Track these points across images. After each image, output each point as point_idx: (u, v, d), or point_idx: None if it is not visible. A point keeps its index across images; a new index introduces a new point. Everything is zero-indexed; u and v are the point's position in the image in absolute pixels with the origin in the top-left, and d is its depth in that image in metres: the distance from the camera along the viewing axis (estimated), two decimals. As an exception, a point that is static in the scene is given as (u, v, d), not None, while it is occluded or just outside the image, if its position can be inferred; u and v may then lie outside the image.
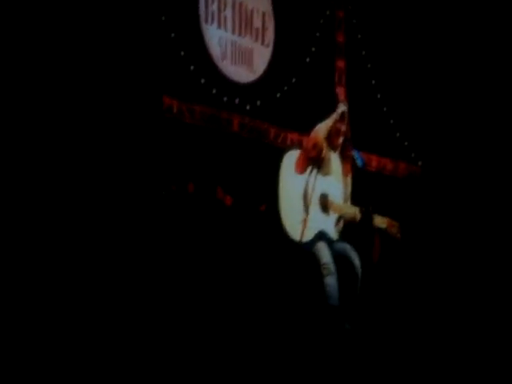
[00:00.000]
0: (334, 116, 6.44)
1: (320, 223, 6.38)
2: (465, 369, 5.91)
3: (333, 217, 6.43)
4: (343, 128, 6.60)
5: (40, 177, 7.32)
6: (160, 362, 5.86)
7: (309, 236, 6.34)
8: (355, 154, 6.43)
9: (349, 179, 6.64)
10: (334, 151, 6.57)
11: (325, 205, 6.42)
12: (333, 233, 6.50)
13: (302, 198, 6.37)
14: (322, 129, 6.61)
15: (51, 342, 5.89)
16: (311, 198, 6.31)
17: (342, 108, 6.44)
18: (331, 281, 6.35)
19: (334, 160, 6.56)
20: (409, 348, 6.64)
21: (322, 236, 6.45)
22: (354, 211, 6.44)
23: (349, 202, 6.78)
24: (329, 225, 6.44)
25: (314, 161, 6.59)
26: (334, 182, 6.50)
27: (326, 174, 6.50)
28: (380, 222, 6.47)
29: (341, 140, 6.58)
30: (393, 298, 9.19)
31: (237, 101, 9.91)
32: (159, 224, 8.18)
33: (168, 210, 8.37)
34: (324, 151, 6.58)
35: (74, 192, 7.50)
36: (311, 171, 6.55)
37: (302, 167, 6.59)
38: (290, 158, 6.44)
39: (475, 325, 7.85)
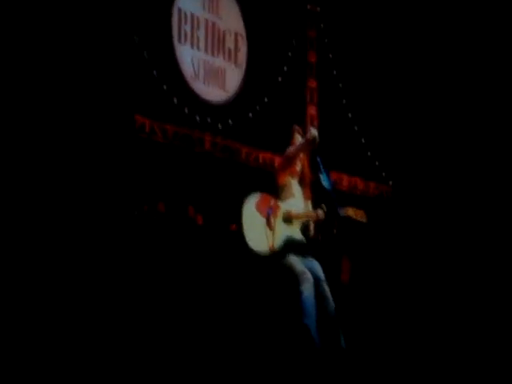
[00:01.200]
0: (304, 142, 6.48)
1: (286, 232, 6.42)
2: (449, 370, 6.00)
3: (297, 225, 6.47)
4: (301, 155, 6.64)
5: (12, 193, 7.30)
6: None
7: (278, 243, 6.38)
8: (322, 175, 6.47)
9: (309, 203, 6.68)
10: (293, 177, 6.61)
11: (288, 218, 6.45)
12: (300, 237, 6.54)
13: (265, 226, 6.42)
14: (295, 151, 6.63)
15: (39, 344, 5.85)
16: (275, 222, 6.37)
17: (312, 134, 6.48)
18: (308, 291, 6.37)
19: (294, 185, 6.61)
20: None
21: (289, 242, 6.48)
22: (316, 212, 6.48)
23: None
24: (295, 231, 6.48)
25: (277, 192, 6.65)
26: (296, 203, 6.54)
27: (288, 198, 6.55)
28: (346, 211, 6.51)
29: (299, 167, 6.62)
30: (367, 314, 9.26)
31: (209, 120, 9.97)
32: (131, 243, 8.19)
33: (140, 229, 8.37)
34: (286, 177, 6.63)
35: (46, 211, 7.49)
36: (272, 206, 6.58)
37: (263, 207, 6.64)
38: (251, 200, 6.50)
39: (447, 332, 7.95)
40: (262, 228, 6.31)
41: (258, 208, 6.41)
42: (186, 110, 9.66)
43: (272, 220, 6.29)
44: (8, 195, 7.31)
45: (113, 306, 7.37)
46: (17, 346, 5.79)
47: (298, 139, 6.60)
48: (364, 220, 6.44)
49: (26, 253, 7.24)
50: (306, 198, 6.61)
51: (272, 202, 6.38)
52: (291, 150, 6.48)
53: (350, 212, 6.41)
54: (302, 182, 6.64)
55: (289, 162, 6.53)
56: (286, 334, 6.54)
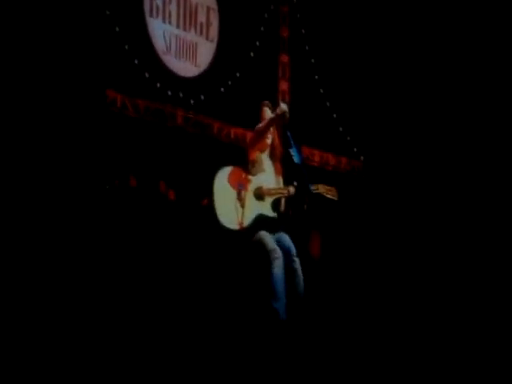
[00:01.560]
0: (273, 117, 6.48)
1: (257, 209, 6.44)
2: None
3: (269, 201, 6.49)
4: (272, 130, 6.65)
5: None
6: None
7: (248, 220, 6.39)
8: (293, 150, 6.49)
9: (280, 178, 6.70)
10: (263, 152, 6.62)
11: (259, 194, 6.48)
12: (271, 214, 6.57)
13: (235, 200, 6.42)
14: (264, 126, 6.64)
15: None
16: (245, 196, 6.38)
17: (282, 108, 6.48)
18: (279, 271, 6.40)
19: (265, 160, 6.62)
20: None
21: (260, 218, 6.51)
22: (286, 189, 6.51)
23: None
24: (265, 208, 6.50)
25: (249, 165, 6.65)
26: (268, 179, 6.56)
27: (259, 172, 6.56)
28: (316, 187, 6.55)
29: (269, 141, 6.64)
30: (334, 294, 9.32)
31: (181, 95, 9.93)
32: (102, 218, 8.18)
33: (111, 203, 8.36)
34: (257, 153, 6.64)
35: (16, 187, 7.46)
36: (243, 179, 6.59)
37: (234, 180, 6.64)
38: (223, 173, 6.50)
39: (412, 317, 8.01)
40: (232, 204, 6.34)
41: (230, 181, 6.43)
42: (158, 85, 9.61)
43: (243, 196, 6.32)
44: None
45: (87, 279, 7.37)
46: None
47: (268, 114, 6.62)
48: (335, 198, 6.48)
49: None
50: (277, 173, 6.65)
51: (243, 175, 6.40)
52: (261, 125, 6.50)
53: (321, 189, 6.45)
54: (272, 157, 6.67)
55: (259, 137, 6.56)
56: (253, 311, 6.58)
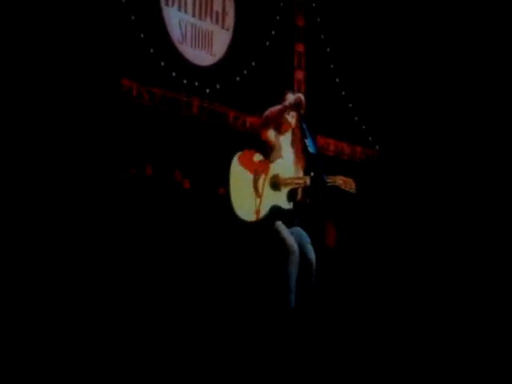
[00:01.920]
0: (288, 103, 6.47)
1: (272, 200, 6.43)
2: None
3: (284, 191, 6.48)
4: (293, 118, 6.63)
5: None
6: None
7: (263, 213, 6.38)
8: (308, 141, 6.47)
9: (300, 169, 6.65)
10: (282, 140, 6.61)
11: (276, 183, 6.45)
12: (286, 205, 6.56)
13: (252, 186, 6.41)
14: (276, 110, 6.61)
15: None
16: (262, 184, 6.36)
17: (299, 97, 6.47)
18: (294, 266, 6.41)
19: (286, 147, 6.60)
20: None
21: (275, 210, 6.50)
22: (303, 179, 6.48)
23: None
24: (281, 199, 6.50)
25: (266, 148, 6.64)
26: (286, 167, 6.53)
27: (277, 159, 6.55)
28: (334, 179, 6.52)
29: (292, 123, 6.62)
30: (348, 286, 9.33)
31: (196, 84, 9.94)
32: (118, 206, 8.20)
33: (127, 192, 8.39)
34: (274, 138, 6.62)
35: (31, 176, 7.49)
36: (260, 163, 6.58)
37: (247, 162, 6.62)
38: (235, 159, 6.49)
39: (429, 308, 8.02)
40: (249, 193, 6.33)
41: (243, 163, 6.41)
42: (174, 74, 9.62)
43: (260, 185, 6.31)
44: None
45: (100, 269, 7.40)
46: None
47: (290, 98, 6.60)
48: (353, 190, 6.45)
49: (11, 218, 7.25)
50: (297, 162, 6.61)
51: (259, 160, 6.38)
52: (275, 108, 6.49)
53: (339, 181, 6.42)
54: (294, 146, 6.64)
55: (269, 119, 6.51)
56: (265, 301, 6.59)
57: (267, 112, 6.50)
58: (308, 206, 7.61)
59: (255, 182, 6.33)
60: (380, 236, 11.27)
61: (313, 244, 6.46)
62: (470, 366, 5.31)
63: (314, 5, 11.66)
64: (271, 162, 6.43)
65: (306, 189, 6.58)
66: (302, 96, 6.44)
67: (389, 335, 6.28)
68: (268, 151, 6.51)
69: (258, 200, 6.30)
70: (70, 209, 7.81)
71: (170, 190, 9.05)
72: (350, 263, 10.04)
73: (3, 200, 7.23)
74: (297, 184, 6.46)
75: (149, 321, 6.24)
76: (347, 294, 8.16)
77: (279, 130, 6.55)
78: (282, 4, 11.15)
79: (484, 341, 6.14)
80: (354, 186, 6.45)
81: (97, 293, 6.86)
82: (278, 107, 6.44)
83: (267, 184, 6.33)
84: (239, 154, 6.41)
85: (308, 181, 6.43)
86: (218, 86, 10.15)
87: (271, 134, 6.52)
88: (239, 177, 6.31)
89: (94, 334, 5.56)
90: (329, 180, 6.38)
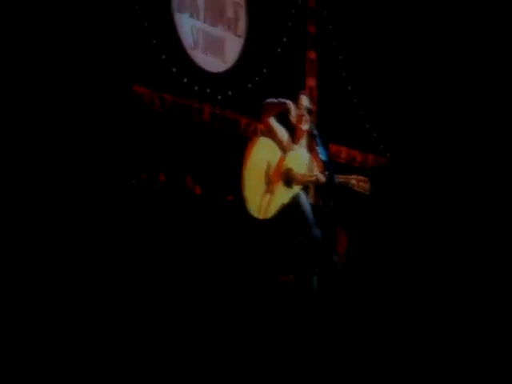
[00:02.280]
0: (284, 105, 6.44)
1: (283, 198, 6.40)
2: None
3: (296, 189, 6.45)
4: (307, 123, 6.61)
5: (11, 163, 7.31)
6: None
7: (272, 211, 6.35)
8: (320, 148, 6.45)
9: (315, 165, 6.60)
10: (296, 143, 6.58)
11: (288, 178, 6.42)
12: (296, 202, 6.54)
13: (264, 174, 6.36)
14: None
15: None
16: (275, 186, 6.33)
17: (286, 104, 6.44)
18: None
19: (299, 146, 6.57)
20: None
21: (286, 208, 6.47)
22: (316, 175, 6.44)
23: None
24: (292, 197, 6.47)
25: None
26: (300, 162, 6.50)
27: (290, 150, 6.52)
28: (347, 178, 6.47)
29: (303, 133, 6.60)
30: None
31: (208, 90, 9.94)
32: (129, 212, 8.21)
33: (138, 198, 8.39)
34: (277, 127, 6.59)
35: (43, 180, 7.50)
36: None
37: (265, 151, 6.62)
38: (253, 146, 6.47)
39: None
40: (260, 187, 6.28)
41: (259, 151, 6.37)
42: (185, 80, 9.62)
43: (273, 180, 6.26)
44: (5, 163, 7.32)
45: (111, 273, 7.40)
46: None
47: (304, 101, 6.59)
48: (366, 191, 6.41)
49: (24, 221, 7.26)
50: (313, 162, 6.56)
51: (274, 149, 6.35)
52: (272, 100, 6.47)
53: (353, 181, 6.38)
54: (310, 151, 6.61)
55: (266, 109, 6.49)
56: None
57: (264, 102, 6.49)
58: (321, 208, 7.57)
59: (267, 174, 6.28)
60: (391, 243, 11.24)
61: (323, 250, 6.45)
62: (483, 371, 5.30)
63: (325, 12, 11.65)
64: (285, 154, 6.38)
65: (318, 190, 6.55)
66: (307, 101, 6.45)
67: (403, 344, 6.26)
68: (276, 143, 6.46)
69: (269, 196, 6.26)
70: (82, 214, 7.81)
71: (181, 195, 9.04)
72: (361, 270, 10.01)
73: (13, 204, 7.24)
74: (308, 179, 6.43)
75: (162, 325, 6.24)
76: (359, 301, 8.14)
77: (293, 138, 6.54)
78: (293, 11, 11.15)
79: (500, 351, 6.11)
80: (367, 186, 6.42)
81: (109, 297, 6.85)
82: (274, 101, 6.43)
83: (280, 182, 6.30)
84: (261, 139, 6.36)
85: (321, 177, 6.38)
86: (229, 93, 10.14)
87: (272, 121, 6.48)
88: (254, 165, 6.26)
89: (107, 336, 5.56)
90: (341, 179, 6.35)
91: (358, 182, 6.41)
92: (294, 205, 6.40)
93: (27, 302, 6.37)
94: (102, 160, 8.16)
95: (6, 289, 6.50)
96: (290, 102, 6.36)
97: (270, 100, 6.48)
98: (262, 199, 6.27)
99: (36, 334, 5.61)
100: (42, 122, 7.71)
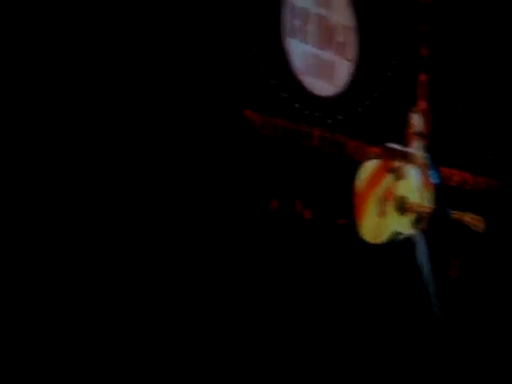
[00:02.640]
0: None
1: (395, 225, 6.35)
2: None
3: (409, 217, 6.39)
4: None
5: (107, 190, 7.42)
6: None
7: (383, 237, 6.30)
8: (431, 172, 6.39)
9: (426, 193, 6.53)
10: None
11: (401, 206, 6.38)
12: (408, 231, 6.46)
13: (378, 202, 6.34)
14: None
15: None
16: (388, 209, 6.29)
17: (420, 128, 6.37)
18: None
19: (412, 172, 6.51)
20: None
21: (398, 235, 6.42)
22: (427, 207, 6.38)
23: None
24: (404, 225, 6.41)
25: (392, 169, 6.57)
26: (412, 190, 6.45)
27: (403, 179, 6.46)
28: (462, 215, 6.38)
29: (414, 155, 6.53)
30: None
31: (318, 114, 9.94)
32: (240, 237, 8.27)
33: (249, 224, 8.44)
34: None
35: (150, 208, 7.60)
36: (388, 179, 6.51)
37: (379, 176, 6.58)
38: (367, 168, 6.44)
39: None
40: (372, 211, 6.23)
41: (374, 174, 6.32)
42: (295, 105, 9.65)
43: (386, 204, 6.21)
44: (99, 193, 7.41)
45: (217, 300, 7.46)
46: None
47: (416, 120, 6.54)
48: (480, 229, 6.30)
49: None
50: (424, 189, 6.50)
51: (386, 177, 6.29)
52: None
53: (467, 218, 6.29)
54: (421, 175, 6.55)
55: (388, 155, 6.44)
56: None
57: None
58: (433, 235, 7.48)
59: (380, 197, 6.24)
60: (504, 269, 11.00)
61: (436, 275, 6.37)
62: None
63: (438, 34, 11.52)
64: (397, 180, 6.33)
65: (430, 219, 6.48)
66: (418, 119, 6.38)
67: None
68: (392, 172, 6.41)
69: (381, 219, 6.21)
70: (190, 243, 7.89)
71: (290, 220, 9.06)
72: (473, 295, 9.85)
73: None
74: (422, 210, 6.36)
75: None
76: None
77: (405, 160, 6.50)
78: (405, 34, 11.05)
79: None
80: (482, 225, 6.30)
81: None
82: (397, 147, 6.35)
83: (393, 207, 6.25)
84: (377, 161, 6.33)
85: (431, 210, 6.32)
86: (339, 117, 10.12)
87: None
88: (371, 189, 6.23)
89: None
90: (455, 214, 6.25)
91: (472, 220, 6.31)
92: (407, 244, 6.34)
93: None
94: (214, 186, 8.24)
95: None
96: (410, 153, 6.31)
97: (391, 145, 6.44)
98: (374, 222, 6.24)
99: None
100: (153, 148, 7.83)
